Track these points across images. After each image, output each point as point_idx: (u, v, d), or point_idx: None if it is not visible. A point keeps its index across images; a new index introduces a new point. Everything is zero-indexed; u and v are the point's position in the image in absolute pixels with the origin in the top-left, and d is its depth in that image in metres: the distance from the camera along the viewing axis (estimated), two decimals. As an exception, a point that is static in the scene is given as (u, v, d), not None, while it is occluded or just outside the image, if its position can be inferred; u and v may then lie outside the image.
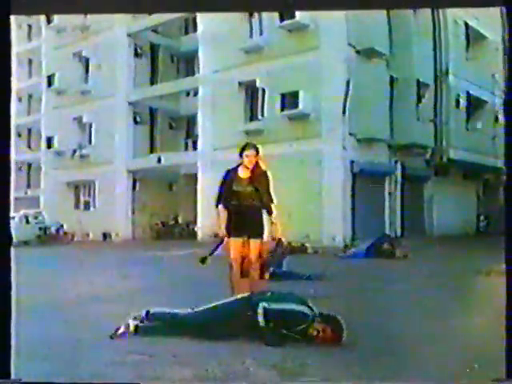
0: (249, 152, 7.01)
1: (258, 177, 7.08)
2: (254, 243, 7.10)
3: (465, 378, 3.97)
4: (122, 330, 5.73)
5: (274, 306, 5.62)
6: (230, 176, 7.14)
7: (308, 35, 23.35)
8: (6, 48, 3.43)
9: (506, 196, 3.90)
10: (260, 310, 5.52)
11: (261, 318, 5.48)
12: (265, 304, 5.59)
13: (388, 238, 17.36)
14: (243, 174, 7.06)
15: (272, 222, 7.30)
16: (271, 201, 7.19)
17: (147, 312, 5.89)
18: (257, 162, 7.10)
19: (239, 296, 6.08)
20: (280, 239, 15.27)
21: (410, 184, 25.88)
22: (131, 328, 5.72)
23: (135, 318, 5.83)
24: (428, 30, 26.47)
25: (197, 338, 5.52)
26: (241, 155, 7.13)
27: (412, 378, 3.85)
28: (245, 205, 7.00)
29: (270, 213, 7.19)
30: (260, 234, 7.16)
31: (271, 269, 11.27)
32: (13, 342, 3.44)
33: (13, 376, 3.36)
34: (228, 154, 23.90)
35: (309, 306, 5.73)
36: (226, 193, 7.06)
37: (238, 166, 7.12)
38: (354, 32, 22.79)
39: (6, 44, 3.43)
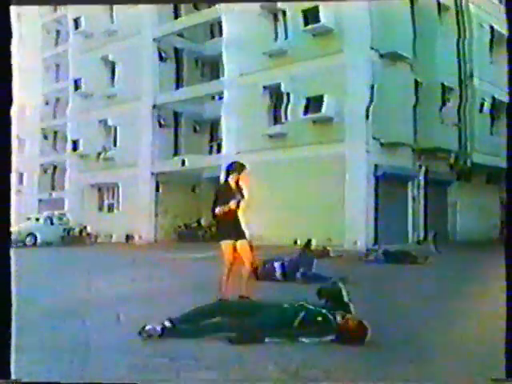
0: (234, 172, 8.08)
1: (234, 188, 7.95)
2: (241, 245, 7.84)
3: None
4: (149, 328, 5.77)
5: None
6: (218, 189, 8.43)
7: (332, 39, 23.35)
8: (7, 40, 3.47)
9: (508, 200, 3.82)
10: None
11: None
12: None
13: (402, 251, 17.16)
14: (227, 188, 8.06)
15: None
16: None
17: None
18: (237, 180, 8.04)
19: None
20: (309, 240, 15.55)
21: (433, 188, 25.72)
22: (159, 329, 5.75)
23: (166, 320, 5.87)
24: (452, 33, 26.32)
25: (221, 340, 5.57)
26: (228, 167, 8.27)
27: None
28: (226, 212, 7.84)
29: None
30: (241, 236, 7.85)
31: (301, 270, 11.34)
32: (14, 343, 3.49)
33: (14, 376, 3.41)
34: (252, 157, 24.12)
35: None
36: (215, 204, 8.00)
37: (225, 181, 8.18)
38: (378, 36, 22.74)
39: (6, 35, 3.47)
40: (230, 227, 7.82)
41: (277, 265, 11.20)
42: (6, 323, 3.41)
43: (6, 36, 3.53)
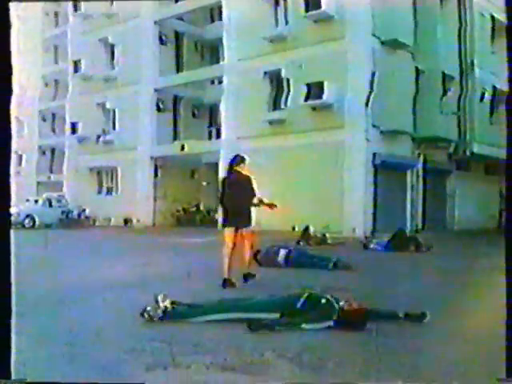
0: (237, 163, 8.80)
1: (243, 180, 8.68)
2: (246, 231, 8.69)
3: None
4: (150, 309, 5.81)
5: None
6: (225, 180, 8.99)
7: (333, 26, 23.23)
8: (6, 36, 3.43)
9: (507, 192, 3.77)
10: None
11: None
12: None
13: (409, 236, 16.89)
14: (233, 178, 8.81)
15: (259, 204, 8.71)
16: (253, 195, 8.61)
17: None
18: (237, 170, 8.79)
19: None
20: (307, 227, 15.72)
21: (432, 178, 25.74)
22: (160, 311, 5.79)
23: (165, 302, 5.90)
24: (454, 22, 26.23)
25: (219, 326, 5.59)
26: (230, 165, 8.91)
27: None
28: (233, 201, 8.71)
29: (252, 202, 8.66)
30: (247, 223, 8.68)
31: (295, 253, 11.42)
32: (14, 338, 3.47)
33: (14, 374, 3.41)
34: (251, 143, 24.12)
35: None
36: (222, 193, 8.90)
37: (230, 173, 8.86)
38: (379, 23, 22.64)
39: (5, 32, 3.43)
40: (240, 215, 8.62)
41: (282, 251, 11.24)
42: (5, 322, 3.39)
43: (5, 32, 3.48)
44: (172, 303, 5.97)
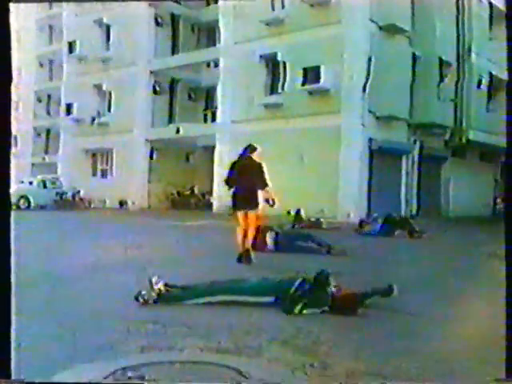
0: (251, 151, 9.43)
1: (254, 166, 9.27)
2: (252, 215, 9.33)
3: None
4: (145, 293, 5.82)
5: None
6: (235, 164, 9.49)
7: (330, 9, 23.13)
8: (7, 37, 3.40)
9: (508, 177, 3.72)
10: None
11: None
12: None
13: (402, 219, 16.87)
14: (244, 164, 9.38)
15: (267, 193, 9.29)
16: (264, 183, 9.22)
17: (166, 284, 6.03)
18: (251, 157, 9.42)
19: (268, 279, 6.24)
20: (298, 210, 15.98)
21: (427, 164, 25.75)
22: (154, 294, 5.81)
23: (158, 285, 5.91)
24: (451, 7, 26.15)
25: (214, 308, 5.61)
26: (244, 152, 9.48)
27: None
28: (243, 185, 9.28)
29: (262, 188, 9.26)
30: (254, 207, 9.30)
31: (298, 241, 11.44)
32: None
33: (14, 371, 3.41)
34: (246, 127, 24.08)
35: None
36: (229, 176, 9.44)
37: (240, 157, 9.49)
38: (377, 7, 22.56)
39: (6, 33, 3.40)
40: (248, 199, 9.24)
41: (269, 235, 11.21)
42: (5, 323, 3.39)
43: (6, 33, 3.45)
44: (165, 285, 6.00)
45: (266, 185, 9.20)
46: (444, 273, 8.79)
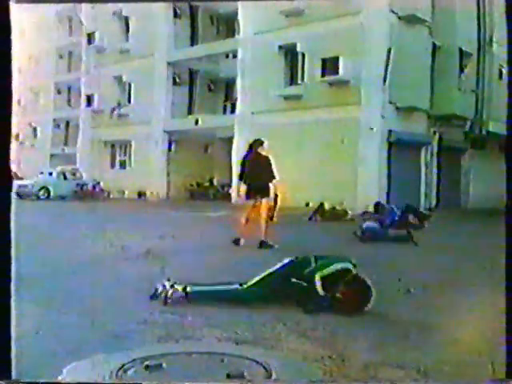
0: (257, 146, 10.25)
1: (262, 160, 10.11)
2: (264, 202, 10.17)
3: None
4: (161, 291, 5.67)
5: (326, 271, 5.65)
6: (245, 160, 10.42)
7: (349, 0, 22.94)
8: (6, 37, 3.40)
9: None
10: (318, 283, 5.56)
11: (320, 289, 5.50)
12: (319, 273, 5.61)
13: (413, 210, 16.55)
14: (252, 159, 10.26)
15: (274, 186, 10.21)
16: (272, 176, 10.10)
17: (186, 289, 5.74)
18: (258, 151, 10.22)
19: (283, 262, 6.05)
20: (322, 204, 16.31)
21: (447, 155, 25.53)
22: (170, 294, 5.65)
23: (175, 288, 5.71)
24: (472, -4, 25.84)
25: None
26: (251, 147, 10.36)
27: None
28: (254, 178, 10.19)
29: (270, 181, 10.15)
30: (266, 195, 10.16)
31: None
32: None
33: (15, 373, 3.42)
34: (266, 118, 24.03)
35: (350, 262, 5.73)
36: (242, 171, 10.40)
37: (248, 153, 10.38)
38: (397, -2, 22.37)
39: (6, 33, 3.40)
40: (260, 189, 10.12)
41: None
42: (5, 323, 3.41)
43: (6, 34, 3.46)
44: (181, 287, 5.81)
45: (274, 177, 10.08)
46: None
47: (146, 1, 22.85)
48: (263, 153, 10.14)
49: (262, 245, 9.88)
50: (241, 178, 10.45)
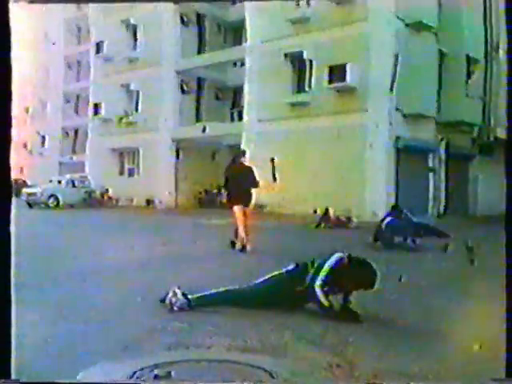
0: (240, 158, 11.09)
1: (245, 170, 10.83)
2: (248, 211, 10.88)
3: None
4: (171, 296, 5.64)
5: (324, 273, 5.62)
6: (228, 170, 11.10)
7: (356, 7, 22.98)
8: (6, 38, 3.42)
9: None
10: (319, 293, 5.54)
11: (323, 299, 5.47)
12: (319, 282, 5.58)
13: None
14: (236, 169, 10.92)
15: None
16: (255, 183, 10.89)
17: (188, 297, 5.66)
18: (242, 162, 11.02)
19: (285, 270, 5.99)
20: (327, 210, 16.32)
21: (454, 162, 25.46)
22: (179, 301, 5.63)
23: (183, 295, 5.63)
24: (479, 3, 25.79)
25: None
26: (234, 159, 11.18)
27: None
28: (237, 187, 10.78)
29: (255, 187, 11.02)
30: (247, 204, 10.87)
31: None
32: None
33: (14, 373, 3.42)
34: (273, 126, 24.08)
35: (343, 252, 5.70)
36: (226, 180, 10.94)
37: (233, 163, 11.09)
38: (403, 5, 22.34)
39: (6, 33, 3.42)
40: (242, 197, 10.73)
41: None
42: (5, 322, 3.41)
43: (5, 35, 3.48)
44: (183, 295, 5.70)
45: (257, 184, 10.86)
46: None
47: (151, 1, 22.80)
48: (246, 163, 10.96)
49: (242, 250, 10.43)
50: (226, 188, 11.15)
